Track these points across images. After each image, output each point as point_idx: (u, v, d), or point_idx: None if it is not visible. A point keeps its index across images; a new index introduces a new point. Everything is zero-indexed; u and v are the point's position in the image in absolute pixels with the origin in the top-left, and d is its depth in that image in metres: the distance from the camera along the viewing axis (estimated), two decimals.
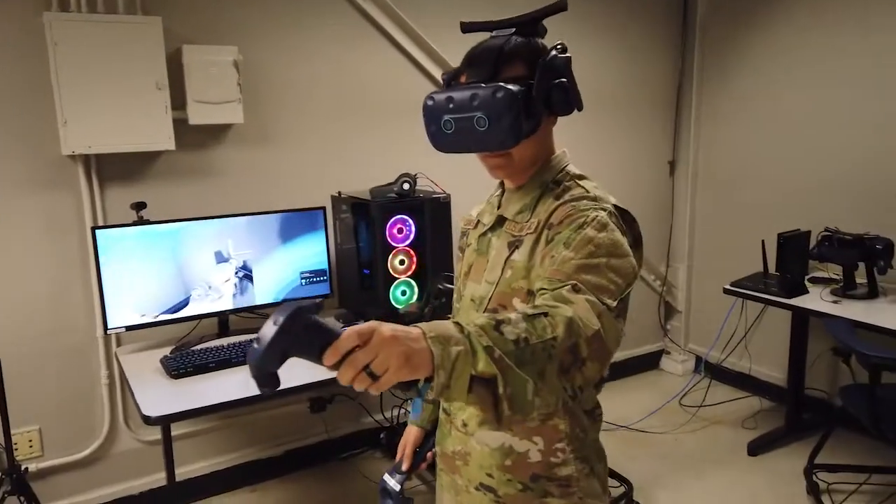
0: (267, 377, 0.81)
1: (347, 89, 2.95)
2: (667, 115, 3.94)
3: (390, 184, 2.70)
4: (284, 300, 2.66)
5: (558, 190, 1.19)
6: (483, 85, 1.10)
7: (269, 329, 0.78)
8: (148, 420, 1.95)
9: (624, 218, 1.15)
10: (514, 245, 1.19)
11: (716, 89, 3.76)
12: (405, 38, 3.02)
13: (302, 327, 0.79)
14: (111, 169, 2.52)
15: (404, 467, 1.43)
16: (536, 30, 1.17)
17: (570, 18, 1.13)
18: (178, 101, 2.48)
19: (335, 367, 0.81)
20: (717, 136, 3.80)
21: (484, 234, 1.28)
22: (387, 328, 0.82)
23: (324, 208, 2.71)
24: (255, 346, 0.79)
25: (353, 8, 2.90)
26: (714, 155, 3.84)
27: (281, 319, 0.77)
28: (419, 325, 0.85)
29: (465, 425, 1.26)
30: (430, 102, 1.17)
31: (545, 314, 0.92)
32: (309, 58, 2.84)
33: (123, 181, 2.55)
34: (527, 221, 1.19)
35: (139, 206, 2.40)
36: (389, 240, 2.61)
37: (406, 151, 3.06)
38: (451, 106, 1.13)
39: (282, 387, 1.86)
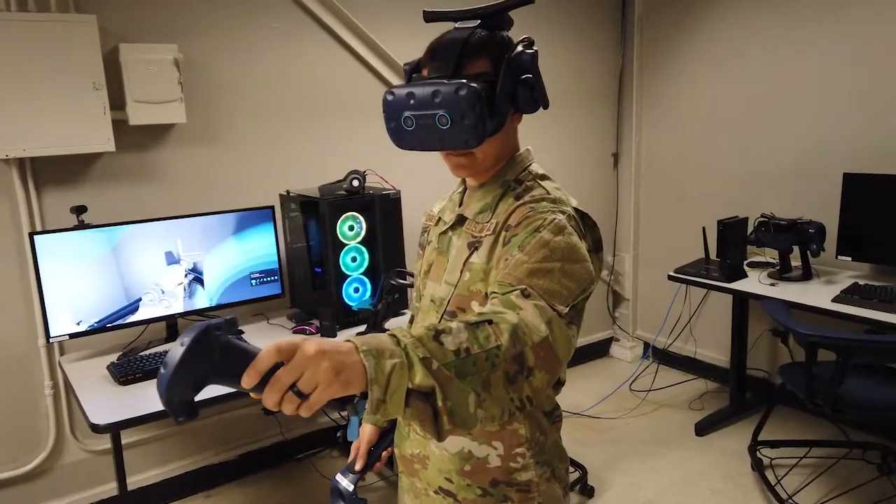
0: (181, 406, 0.73)
1: (293, 87, 2.93)
2: (609, 108, 4.03)
3: (339, 181, 2.69)
4: (234, 302, 2.63)
5: (519, 189, 1.15)
6: (446, 81, 1.05)
7: (175, 351, 0.68)
8: (96, 428, 1.90)
9: (584, 222, 1.13)
10: (473, 246, 1.15)
11: (656, 82, 3.87)
12: (350, 35, 3.00)
13: (215, 348, 0.70)
14: (48, 172, 2.43)
15: (358, 466, 1.36)
16: (502, 21, 1.12)
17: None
18: (118, 101, 2.42)
19: (257, 389, 0.74)
20: (659, 128, 3.91)
21: (444, 232, 1.24)
22: (311, 343, 0.76)
23: (272, 207, 2.68)
24: (163, 371, 0.69)
25: (295, 5, 2.87)
26: (656, 146, 3.95)
27: (188, 341, 0.68)
28: (351, 338, 0.80)
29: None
30: (389, 98, 1.11)
31: (489, 321, 0.88)
32: (253, 56, 2.81)
33: (62, 185, 2.47)
34: (487, 222, 1.15)
35: (79, 210, 2.33)
36: (340, 237, 2.60)
37: (354, 149, 3.05)
38: (411, 102, 1.08)
39: (230, 389, 1.84)
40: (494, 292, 0.99)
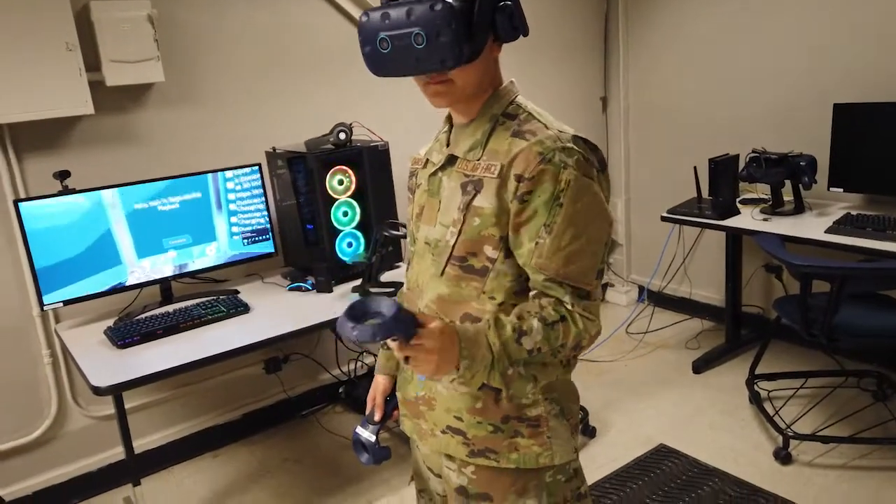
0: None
1: (271, 40, 2.85)
2: (596, 51, 3.96)
3: (325, 135, 2.65)
4: (227, 263, 2.61)
5: (512, 124, 1.15)
6: None
7: (384, 306, 0.94)
8: (98, 391, 1.90)
9: (587, 146, 1.14)
10: (469, 186, 1.15)
11: (641, 22, 3.80)
12: None
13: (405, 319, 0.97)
14: (28, 138, 2.38)
15: (377, 417, 1.39)
16: None
17: None
18: (92, 62, 2.35)
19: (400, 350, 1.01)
20: (647, 70, 3.85)
21: (434, 173, 1.23)
22: (434, 343, 1.00)
23: (259, 165, 2.64)
24: (383, 312, 0.94)
25: None
26: (644, 88, 3.90)
27: (394, 309, 0.93)
28: (462, 345, 1.03)
29: None
30: (364, 19, 1.10)
31: (563, 319, 1.09)
32: (228, 10, 2.73)
33: (42, 150, 2.42)
34: (478, 160, 1.15)
35: (63, 175, 2.29)
36: (330, 192, 2.58)
37: (338, 101, 3.00)
38: (386, 22, 1.07)
39: (231, 347, 1.91)
40: (540, 283, 1.12)
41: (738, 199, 3.18)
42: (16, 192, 2.37)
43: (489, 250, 1.14)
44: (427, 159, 1.28)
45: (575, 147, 1.11)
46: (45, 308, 2.28)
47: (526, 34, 1.13)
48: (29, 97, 2.22)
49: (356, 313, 0.95)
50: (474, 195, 1.14)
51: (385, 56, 1.09)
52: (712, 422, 2.86)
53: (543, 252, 1.09)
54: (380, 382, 1.43)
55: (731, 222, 3.01)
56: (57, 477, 2.61)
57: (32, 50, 2.21)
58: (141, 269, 2.43)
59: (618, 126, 4.05)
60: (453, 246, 1.16)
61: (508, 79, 1.21)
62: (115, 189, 2.35)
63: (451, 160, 1.20)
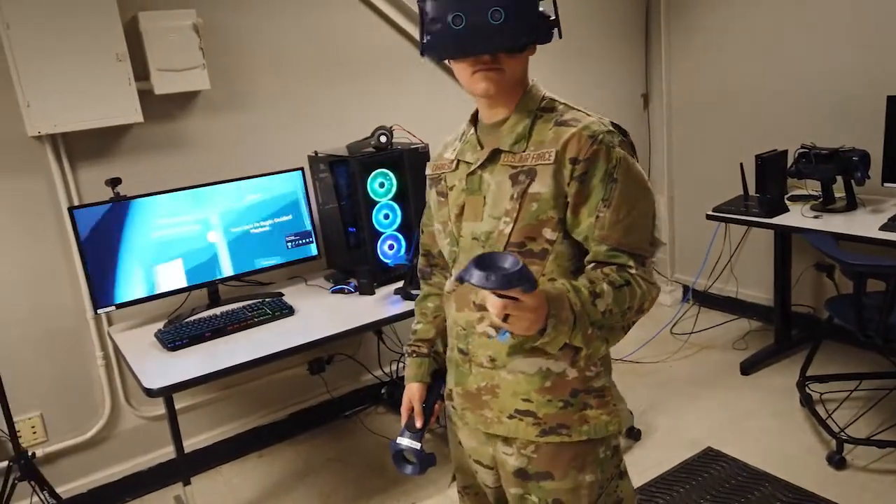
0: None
1: (313, 46, 2.89)
2: (637, 46, 3.91)
3: (367, 138, 2.67)
4: (272, 266, 2.65)
5: (552, 115, 1.23)
6: None
7: (508, 261, 1.00)
8: (150, 392, 1.96)
9: (620, 131, 1.24)
10: (521, 175, 1.21)
11: (685, 14, 3.73)
12: None
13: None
14: (80, 146, 2.46)
15: (419, 424, 1.41)
16: None
17: None
18: (141, 71, 2.42)
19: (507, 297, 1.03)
20: (691, 64, 3.78)
21: (473, 172, 1.28)
22: (535, 301, 1.04)
23: (302, 169, 2.68)
24: (506, 267, 0.99)
25: None
26: (687, 83, 3.82)
27: (520, 264, 0.99)
28: (546, 296, 1.08)
29: (492, 360, 1.27)
30: None
31: (627, 283, 1.16)
32: (271, 17, 2.77)
33: (94, 158, 2.49)
34: (524, 151, 1.21)
35: (114, 182, 2.36)
36: (371, 195, 2.60)
37: (378, 105, 3.03)
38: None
39: (276, 350, 1.91)
40: (602, 254, 1.19)
41: (786, 196, 3.10)
42: (70, 199, 2.45)
43: (548, 233, 1.21)
44: (458, 161, 1.31)
45: (616, 130, 1.22)
46: (98, 311, 2.35)
47: (560, 36, 1.20)
48: (82, 107, 2.30)
49: (483, 265, 1.00)
50: (529, 183, 1.20)
51: (456, 33, 1.12)
52: (762, 425, 2.79)
53: (605, 224, 1.18)
54: (415, 390, 1.45)
55: (781, 220, 2.93)
56: (110, 475, 2.69)
57: (85, 62, 2.28)
58: (189, 266, 2.49)
59: (660, 123, 3.98)
60: (510, 234, 1.22)
61: (532, 77, 1.29)
62: (164, 195, 2.40)
63: (494, 156, 1.25)
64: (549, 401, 1.26)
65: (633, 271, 1.18)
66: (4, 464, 2.37)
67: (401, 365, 3.26)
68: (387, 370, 3.25)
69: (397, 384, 3.21)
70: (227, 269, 2.56)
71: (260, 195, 2.58)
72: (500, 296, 1.01)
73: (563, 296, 1.10)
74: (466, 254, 1.28)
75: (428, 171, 1.41)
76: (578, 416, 1.27)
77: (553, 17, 1.17)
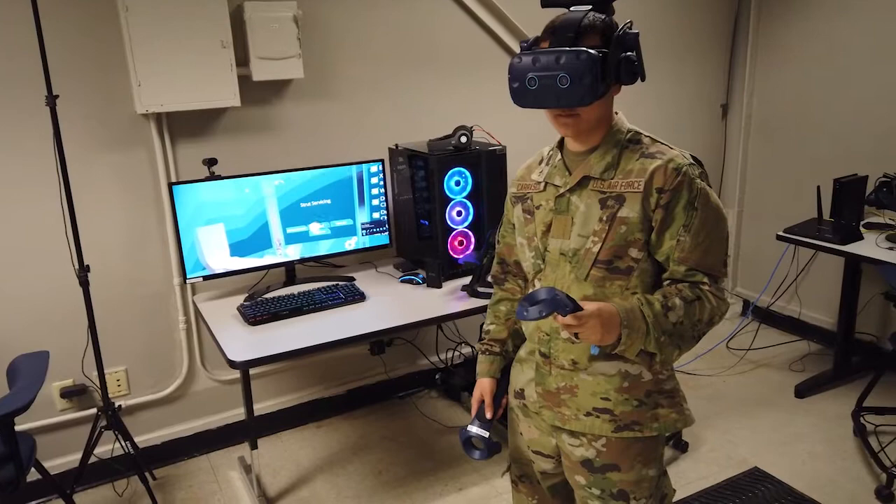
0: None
1: (402, 41, 2.98)
2: (721, 55, 3.86)
3: (447, 136, 2.75)
4: (348, 251, 2.78)
5: (638, 147, 1.37)
6: (568, 49, 1.25)
7: (543, 293, 1.18)
8: (234, 364, 2.11)
9: (698, 163, 1.37)
10: (610, 200, 1.34)
11: (775, 26, 3.66)
12: None
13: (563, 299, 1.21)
14: (181, 126, 2.62)
15: (489, 415, 1.54)
16: (608, 7, 1.34)
17: None
18: (241, 57, 2.55)
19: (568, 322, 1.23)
20: (775, 77, 3.71)
21: (562, 195, 1.40)
22: (596, 311, 1.23)
23: (382, 160, 2.78)
24: (544, 299, 1.18)
25: None
26: (769, 98, 3.76)
27: (552, 294, 1.18)
28: (622, 316, 1.26)
29: (574, 363, 1.41)
30: (516, 62, 1.31)
31: (698, 299, 1.31)
32: (365, 11, 2.87)
33: (192, 138, 2.65)
34: (612, 179, 1.35)
35: (211, 162, 2.51)
36: (447, 192, 2.69)
37: (462, 104, 3.10)
38: (536, 65, 1.28)
39: (348, 335, 2.26)
40: (680, 272, 1.33)
41: (861, 223, 3.05)
42: (168, 174, 2.62)
43: (634, 252, 1.35)
44: (547, 183, 1.45)
45: (695, 164, 1.36)
46: (187, 280, 2.52)
47: (643, 79, 1.32)
48: (186, 89, 2.45)
49: (528, 302, 1.18)
50: (618, 208, 1.34)
51: (530, 91, 1.30)
52: (811, 450, 2.79)
53: (685, 247, 1.32)
54: (486, 384, 1.59)
55: (854, 248, 2.89)
56: (182, 431, 2.89)
57: (192, 47, 2.42)
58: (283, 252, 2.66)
59: (737, 135, 3.94)
60: (598, 252, 1.35)
61: (615, 110, 1.41)
62: (256, 177, 2.55)
63: (583, 181, 1.38)
64: (626, 399, 1.40)
65: (705, 288, 1.33)
66: (91, 411, 2.59)
67: (455, 353, 3.37)
68: (442, 357, 3.36)
69: (451, 372, 3.32)
70: (304, 251, 2.70)
71: (341, 182, 2.70)
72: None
73: (636, 309, 1.28)
74: (553, 267, 1.42)
75: (513, 190, 1.54)
76: (651, 413, 1.41)
77: (636, 62, 1.29)
